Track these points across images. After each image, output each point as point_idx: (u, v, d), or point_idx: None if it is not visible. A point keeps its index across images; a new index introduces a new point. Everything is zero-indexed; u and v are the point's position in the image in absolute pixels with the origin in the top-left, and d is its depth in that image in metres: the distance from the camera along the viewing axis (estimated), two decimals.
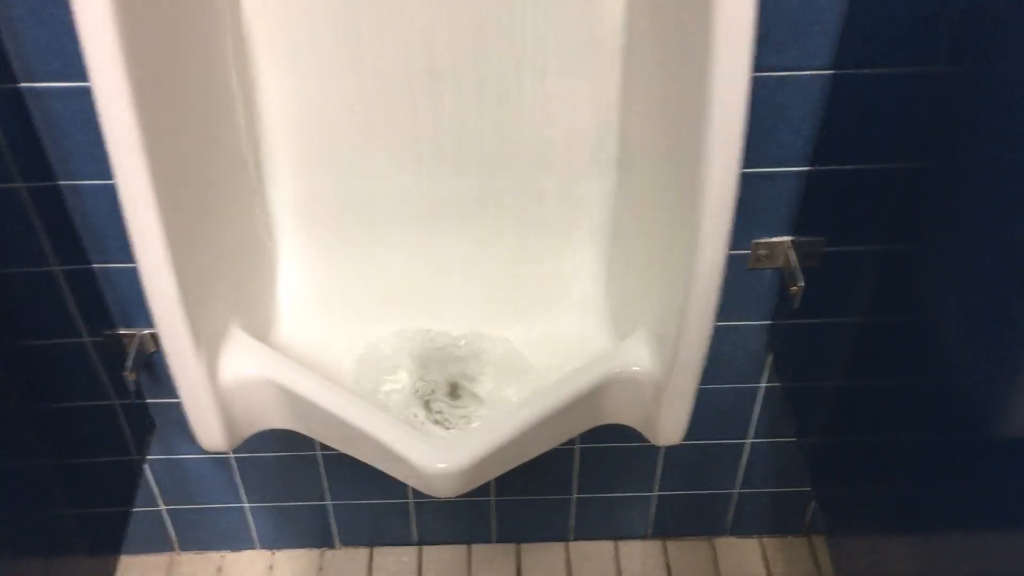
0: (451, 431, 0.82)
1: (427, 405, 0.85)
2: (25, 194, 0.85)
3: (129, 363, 1.00)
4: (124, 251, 0.82)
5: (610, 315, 0.89)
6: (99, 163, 0.87)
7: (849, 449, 0.91)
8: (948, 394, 0.69)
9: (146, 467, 1.20)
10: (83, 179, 0.89)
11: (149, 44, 0.63)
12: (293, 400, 0.77)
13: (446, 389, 0.87)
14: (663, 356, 0.76)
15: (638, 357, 0.78)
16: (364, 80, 0.81)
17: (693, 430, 1.19)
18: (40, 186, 0.88)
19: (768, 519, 1.34)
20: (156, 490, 1.24)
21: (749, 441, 1.22)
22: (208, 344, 0.74)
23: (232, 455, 1.20)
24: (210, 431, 0.77)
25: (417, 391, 0.85)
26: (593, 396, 0.78)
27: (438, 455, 0.74)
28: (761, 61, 0.83)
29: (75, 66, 0.81)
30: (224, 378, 0.76)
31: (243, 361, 0.77)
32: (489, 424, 0.76)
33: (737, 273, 1.01)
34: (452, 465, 0.74)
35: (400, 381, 0.86)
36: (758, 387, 1.15)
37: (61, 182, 0.89)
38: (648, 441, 0.83)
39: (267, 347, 0.78)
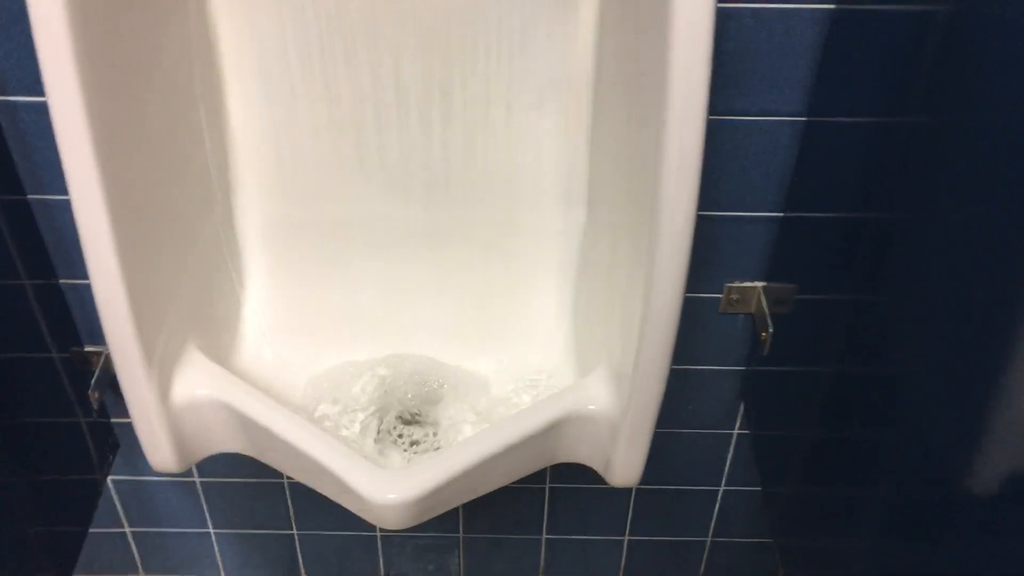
0: (403, 462, 0.81)
1: (385, 434, 0.84)
2: None
3: (93, 381, 0.99)
4: None
5: (575, 350, 0.89)
6: None
7: (812, 501, 0.90)
8: (915, 448, 0.67)
9: (111, 489, 1.19)
10: (52, 194, 0.89)
11: (109, 65, 0.63)
12: (245, 423, 0.76)
13: (406, 419, 0.86)
14: (621, 395, 0.75)
15: (595, 395, 0.77)
16: (332, 109, 0.81)
17: (665, 475, 1.20)
18: (9, 199, 0.88)
19: (741, 569, 1.32)
20: (121, 512, 1.23)
21: (722, 489, 1.20)
22: (162, 363, 0.74)
23: (197, 479, 1.19)
24: (160, 451, 0.77)
25: (374, 420, 0.84)
26: (548, 433, 0.77)
27: (387, 486, 0.73)
28: (734, 106, 0.84)
29: None
30: (176, 398, 0.76)
31: (196, 381, 0.76)
32: (440, 457, 0.75)
33: (709, 317, 1.00)
34: (401, 497, 0.72)
35: (359, 409, 0.85)
36: (731, 434, 1.13)
37: (30, 196, 0.89)
38: None
39: (221, 368, 0.78)
